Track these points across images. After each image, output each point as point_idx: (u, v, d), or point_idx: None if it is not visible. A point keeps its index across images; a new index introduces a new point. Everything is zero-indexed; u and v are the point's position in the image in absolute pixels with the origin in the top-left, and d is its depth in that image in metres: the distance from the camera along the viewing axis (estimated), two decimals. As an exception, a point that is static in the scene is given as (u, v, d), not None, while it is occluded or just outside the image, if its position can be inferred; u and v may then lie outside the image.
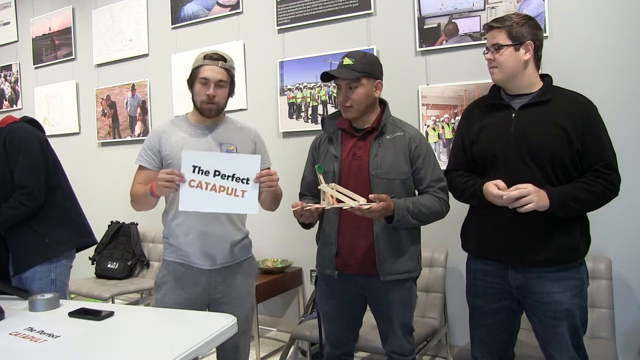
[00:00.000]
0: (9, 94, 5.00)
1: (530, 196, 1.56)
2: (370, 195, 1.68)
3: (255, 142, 2.02)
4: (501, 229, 1.69)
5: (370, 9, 3.08)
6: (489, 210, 1.69)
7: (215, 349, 1.98)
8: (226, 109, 1.99)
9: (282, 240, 3.39)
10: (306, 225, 1.92)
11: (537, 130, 1.66)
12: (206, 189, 1.67)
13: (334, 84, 1.90)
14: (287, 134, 3.39)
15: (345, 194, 1.71)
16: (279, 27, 3.41)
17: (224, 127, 1.96)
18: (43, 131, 2.33)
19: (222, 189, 1.68)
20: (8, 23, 4.97)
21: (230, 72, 1.92)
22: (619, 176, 1.65)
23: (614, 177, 1.64)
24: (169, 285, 1.90)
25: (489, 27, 1.74)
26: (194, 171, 1.68)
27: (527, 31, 1.69)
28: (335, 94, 3.19)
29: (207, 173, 1.67)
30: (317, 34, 3.28)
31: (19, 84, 4.93)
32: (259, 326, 3.15)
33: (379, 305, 1.92)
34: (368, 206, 1.65)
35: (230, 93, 1.94)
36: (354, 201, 1.68)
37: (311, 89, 3.29)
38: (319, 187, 1.74)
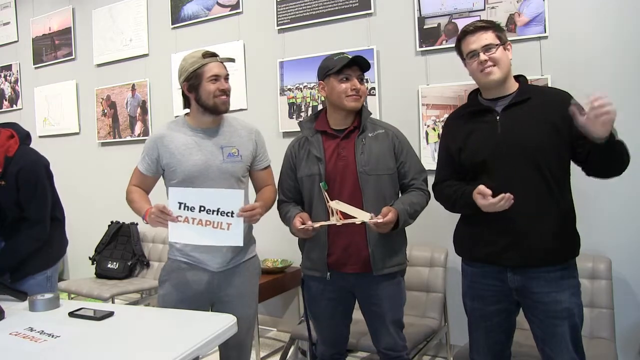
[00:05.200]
0: (9, 94, 4.99)
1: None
2: (377, 217, 1.73)
3: (256, 142, 2.03)
4: (496, 231, 1.68)
5: (370, 9, 3.08)
6: (481, 215, 1.67)
7: (217, 348, 1.98)
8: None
9: (282, 240, 3.37)
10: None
11: (524, 129, 1.66)
12: (193, 223, 1.74)
13: (338, 77, 1.89)
14: (287, 134, 3.39)
15: (347, 210, 1.75)
16: (279, 27, 3.41)
17: (225, 129, 1.97)
18: (30, 138, 2.30)
19: (208, 222, 1.74)
20: (8, 23, 4.96)
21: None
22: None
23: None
24: (171, 283, 1.92)
25: (474, 29, 1.72)
26: (179, 207, 1.75)
27: (504, 33, 1.75)
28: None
29: (192, 209, 1.74)
30: (317, 34, 3.28)
31: (19, 84, 4.93)
32: (259, 326, 3.15)
33: (369, 302, 1.94)
34: (381, 220, 1.72)
35: None
36: (363, 215, 1.73)
37: (311, 89, 3.29)
38: (328, 205, 1.77)
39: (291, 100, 3.37)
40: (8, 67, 4.99)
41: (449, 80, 2.84)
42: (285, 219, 1.98)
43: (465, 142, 1.76)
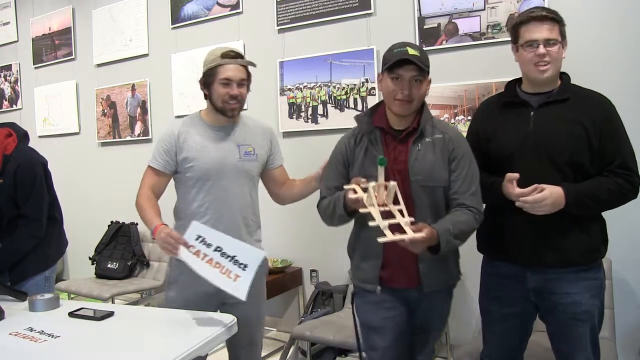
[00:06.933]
0: (9, 94, 4.99)
1: (545, 200, 1.54)
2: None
3: (271, 142, 2.03)
4: (520, 230, 1.66)
5: (370, 9, 3.08)
6: (506, 211, 1.66)
7: (226, 348, 1.99)
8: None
9: (282, 240, 3.39)
10: (349, 214, 1.67)
11: (556, 128, 1.62)
12: (202, 259, 1.63)
13: (390, 75, 1.65)
14: (287, 134, 3.39)
15: (391, 208, 1.49)
16: (279, 27, 3.41)
17: (241, 127, 1.96)
18: (28, 138, 2.31)
19: (217, 265, 1.63)
20: (8, 23, 4.96)
21: (247, 69, 1.91)
22: (638, 177, 1.62)
23: (634, 178, 1.61)
24: (181, 284, 1.90)
25: (542, 17, 1.60)
26: (196, 239, 1.65)
27: (565, 30, 1.66)
28: (335, 94, 3.20)
29: (209, 245, 1.64)
30: (317, 34, 3.28)
31: (18, 84, 4.93)
32: (259, 326, 3.15)
33: (418, 316, 1.76)
34: (419, 236, 1.43)
35: (248, 89, 1.94)
36: (404, 222, 1.46)
37: (311, 89, 3.29)
38: (376, 184, 1.49)
39: (291, 100, 3.37)
40: (8, 67, 4.98)
41: (449, 80, 2.84)
42: (333, 205, 1.69)
43: (495, 133, 1.73)
